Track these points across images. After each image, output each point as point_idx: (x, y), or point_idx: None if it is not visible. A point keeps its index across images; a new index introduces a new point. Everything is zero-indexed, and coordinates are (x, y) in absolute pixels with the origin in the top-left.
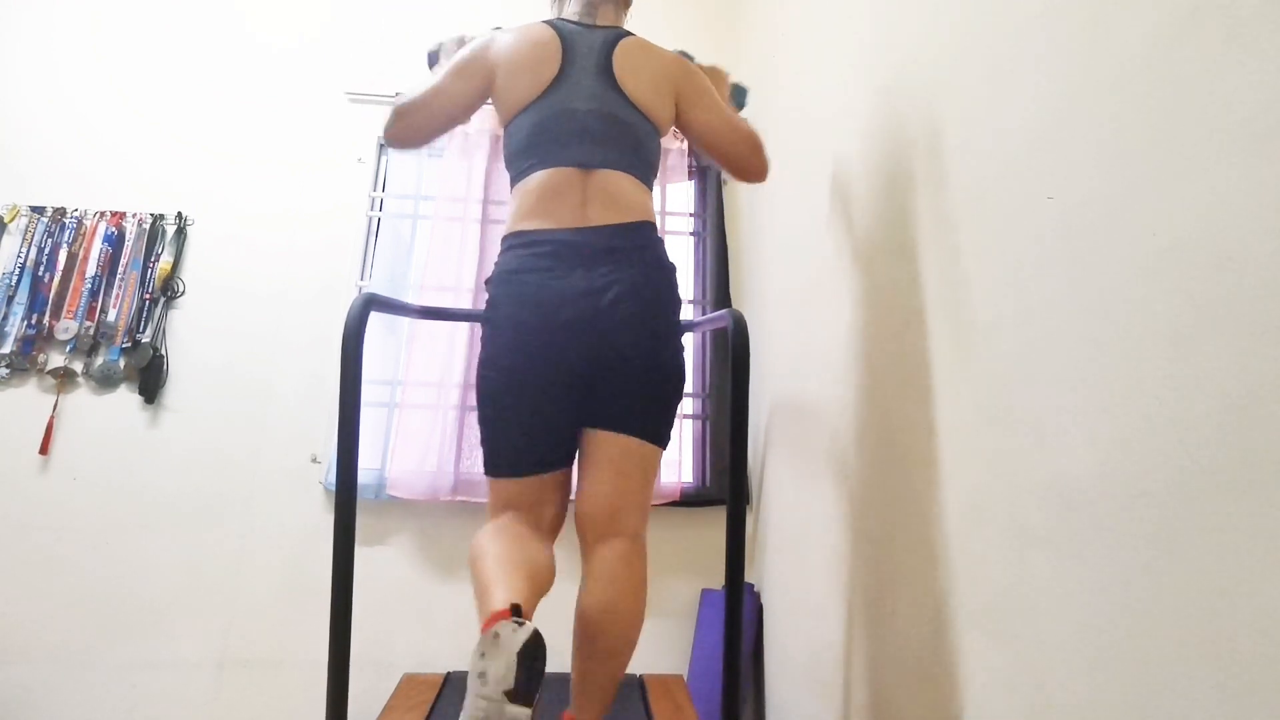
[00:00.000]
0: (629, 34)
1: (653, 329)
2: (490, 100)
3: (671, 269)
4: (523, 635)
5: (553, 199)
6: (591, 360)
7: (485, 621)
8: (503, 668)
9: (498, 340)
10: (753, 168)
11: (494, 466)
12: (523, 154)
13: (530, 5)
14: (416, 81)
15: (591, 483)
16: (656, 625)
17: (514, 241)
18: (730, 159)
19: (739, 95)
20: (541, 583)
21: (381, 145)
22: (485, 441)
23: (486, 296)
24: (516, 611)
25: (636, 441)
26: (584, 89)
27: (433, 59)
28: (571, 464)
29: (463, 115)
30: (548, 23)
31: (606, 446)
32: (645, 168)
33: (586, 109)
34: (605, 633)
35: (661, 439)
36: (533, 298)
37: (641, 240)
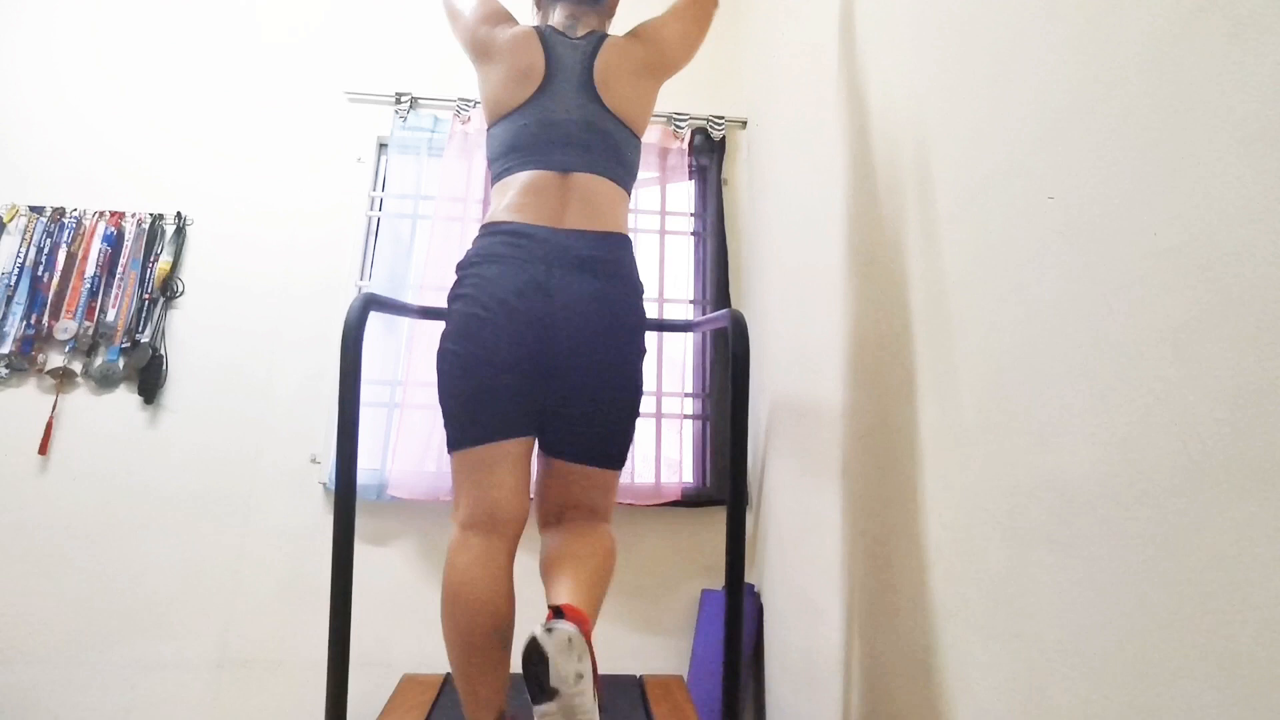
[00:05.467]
0: (606, 36)
1: (613, 345)
2: (471, 97)
3: (639, 288)
4: None
5: (532, 197)
6: (549, 361)
7: None
8: None
9: (462, 318)
10: (709, 15)
11: (455, 436)
12: (504, 156)
13: (532, 7)
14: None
15: (550, 493)
16: (656, 626)
17: (489, 230)
18: (701, 34)
19: None
20: (511, 627)
21: (381, 145)
22: (446, 415)
23: (453, 283)
24: None
25: (597, 470)
26: (566, 100)
27: None
28: (531, 437)
29: (456, 21)
30: (535, 30)
31: (566, 475)
32: (625, 173)
33: (568, 119)
34: (574, 550)
35: (621, 462)
36: (500, 284)
37: (615, 254)
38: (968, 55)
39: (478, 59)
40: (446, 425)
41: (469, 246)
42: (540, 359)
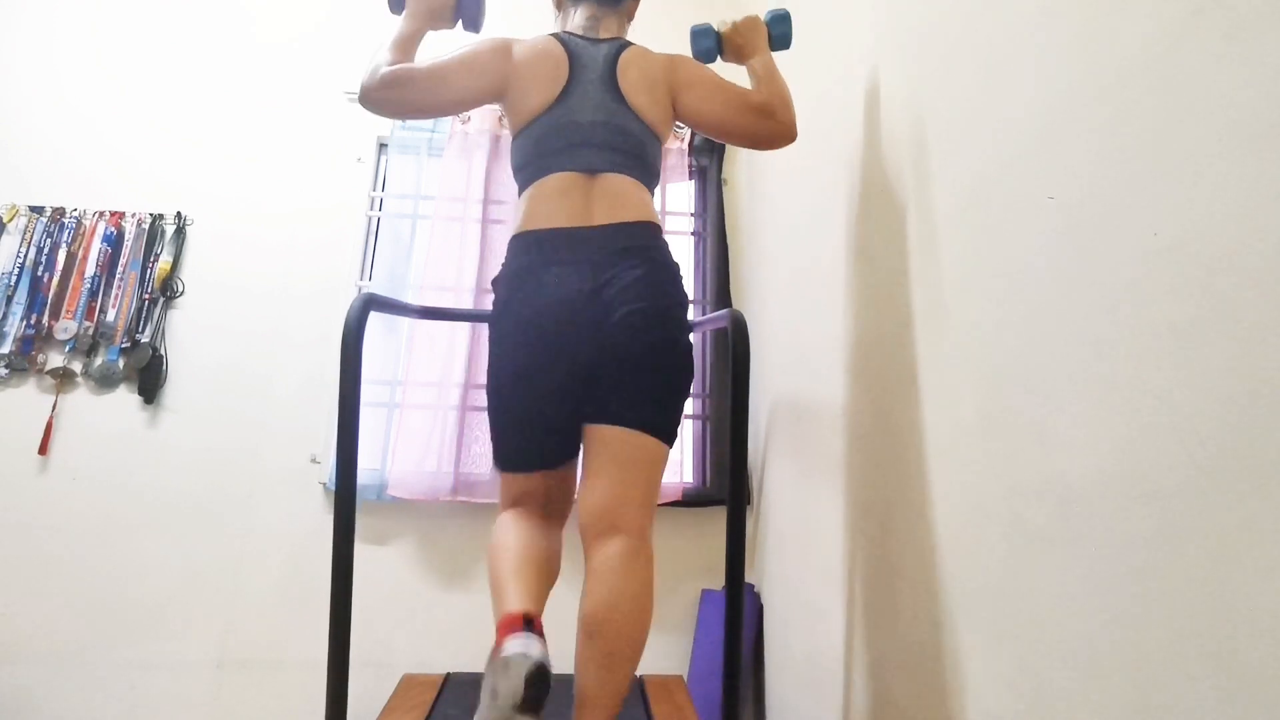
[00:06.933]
0: (630, 44)
1: (655, 325)
2: (499, 108)
3: (675, 268)
4: (529, 665)
5: (557, 200)
6: (593, 358)
7: (498, 626)
8: (512, 687)
9: (502, 340)
10: (762, 134)
11: (500, 461)
12: (530, 162)
13: (533, 6)
14: (388, 34)
15: (592, 479)
16: (656, 625)
17: (518, 243)
18: (733, 132)
19: (778, 26)
20: (551, 572)
21: (381, 145)
22: (492, 437)
23: (493, 298)
24: (528, 624)
25: (637, 434)
26: (590, 101)
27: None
28: (576, 458)
29: (461, 109)
30: (554, 36)
31: (607, 441)
32: (648, 174)
33: (592, 120)
34: (605, 633)
35: (664, 432)
36: (536, 296)
37: (645, 239)
38: (968, 54)
39: (503, 91)
40: (495, 449)
41: (502, 256)
42: (586, 359)
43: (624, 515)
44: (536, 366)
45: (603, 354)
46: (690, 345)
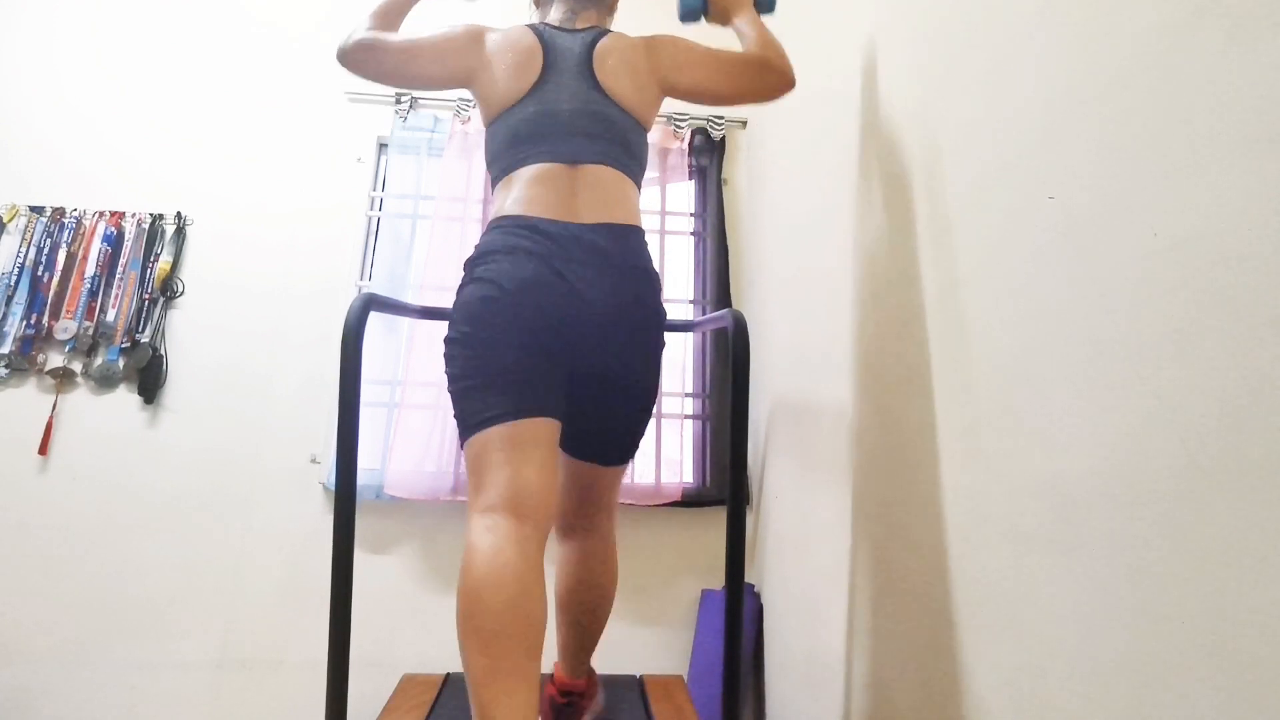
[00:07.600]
0: (607, 31)
1: (633, 340)
2: (471, 97)
3: (657, 279)
4: None
5: (541, 189)
6: (567, 352)
7: None
8: None
9: (475, 301)
10: (765, 88)
11: (472, 417)
12: (506, 152)
13: (527, 5)
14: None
15: (564, 494)
16: (656, 626)
17: (499, 224)
18: (738, 95)
19: None
20: (538, 651)
21: (381, 145)
22: (461, 397)
23: (463, 276)
24: None
25: (611, 469)
26: (566, 90)
27: None
28: (558, 421)
29: (428, 89)
30: (529, 26)
31: (583, 474)
32: (633, 164)
33: (570, 109)
34: (579, 603)
35: (632, 457)
36: (515, 273)
37: (630, 246)
38: (968, 54)
39: (470, 80)
40: (462, 410)
41: (477, 242)
42: (558, 347)
43: (591, 518)
44: (503, 337)
45: (573, 357)
46: (660, 362)
